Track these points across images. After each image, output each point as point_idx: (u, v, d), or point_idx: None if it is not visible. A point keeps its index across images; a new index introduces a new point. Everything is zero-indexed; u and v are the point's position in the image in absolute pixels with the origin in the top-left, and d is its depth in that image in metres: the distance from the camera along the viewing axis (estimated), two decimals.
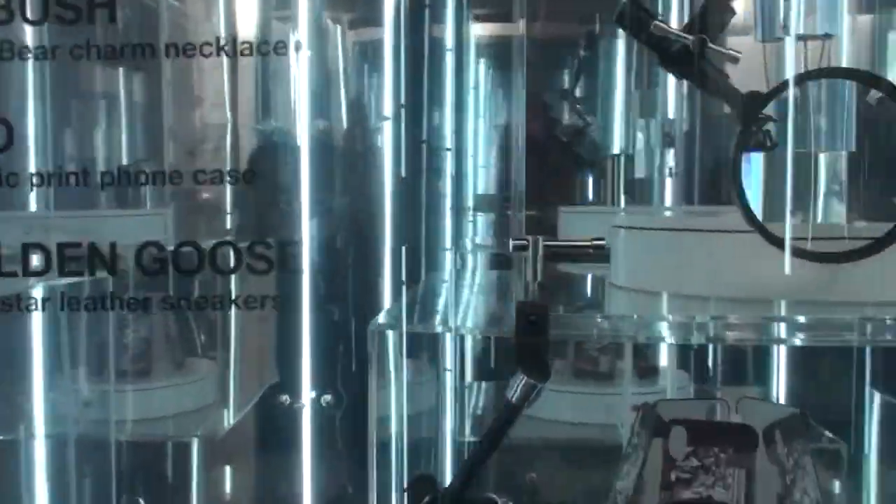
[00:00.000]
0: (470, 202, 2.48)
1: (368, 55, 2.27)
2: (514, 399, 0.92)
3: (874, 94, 1.27)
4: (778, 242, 1.00)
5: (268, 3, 2.02)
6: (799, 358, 1.99)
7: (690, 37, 0.95)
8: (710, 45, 0.95)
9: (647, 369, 1.98)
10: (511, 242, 0.92)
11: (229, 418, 1.91)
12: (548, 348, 0.90)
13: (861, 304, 1.06)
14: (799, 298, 1.07)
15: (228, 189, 1.81)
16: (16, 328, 1.73)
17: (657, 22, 0.96)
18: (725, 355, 2.05)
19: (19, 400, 1.75)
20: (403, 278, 1.94)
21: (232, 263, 1.58)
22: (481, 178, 2.66)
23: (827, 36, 1.22)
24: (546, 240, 0.92)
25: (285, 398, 1.77)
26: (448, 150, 2.41)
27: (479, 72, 2.79)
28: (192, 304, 1.65)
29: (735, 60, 0.97)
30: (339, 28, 2.33)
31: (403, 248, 2.03)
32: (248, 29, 1.84)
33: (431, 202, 2.29)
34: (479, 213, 2.77)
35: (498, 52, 2.68)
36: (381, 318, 1.09)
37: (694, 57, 0.97)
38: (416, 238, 2.16)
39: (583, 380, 1.86)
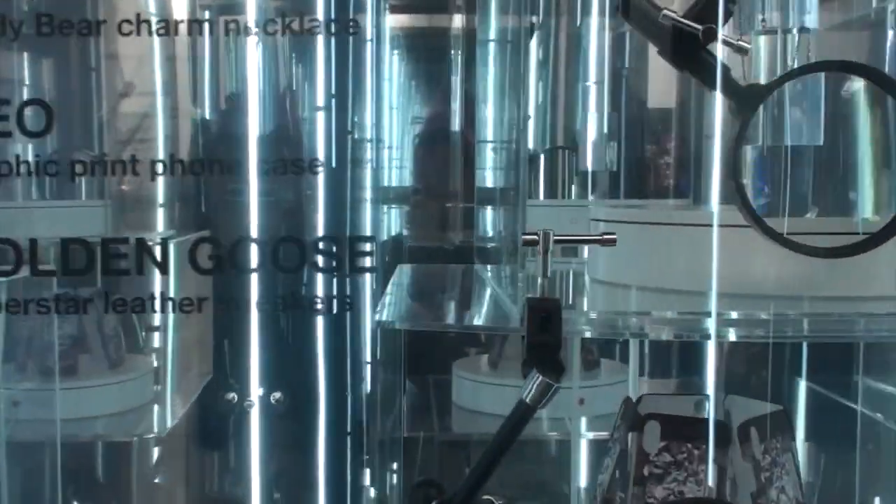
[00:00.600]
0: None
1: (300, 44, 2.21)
2: (528, 399, 0.88)
3: (848, 88, 1.27)
4: (778, 238, 0.97)
5: None
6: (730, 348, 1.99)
7: (700, 26, 0.92)
8: (722, 35, 0.92)
9: (591, 362, 1.97)
10: (521, 237, 0.88)
11: (169, 417, 1.83)
12: (560, 346, 0.86)
13: (852, 299, 1.06)
14: (790, 294, 1.05)
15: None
16: None
17: (667, 11, 0.93)
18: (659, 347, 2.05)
19: None
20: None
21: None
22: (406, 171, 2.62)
23: (804, 29, 1.20)
24: (556, 234, 0.88)
25: (232, 396, 1.70)
26: (370, 140, 2.38)
27: (392, 63, 2.75)
28: (130, 305, 1.57)
29: (745, 52, 0.95)
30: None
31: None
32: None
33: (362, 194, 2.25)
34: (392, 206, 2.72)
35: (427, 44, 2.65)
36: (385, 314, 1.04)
37: (699, 47, 0.94)
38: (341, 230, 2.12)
39: None
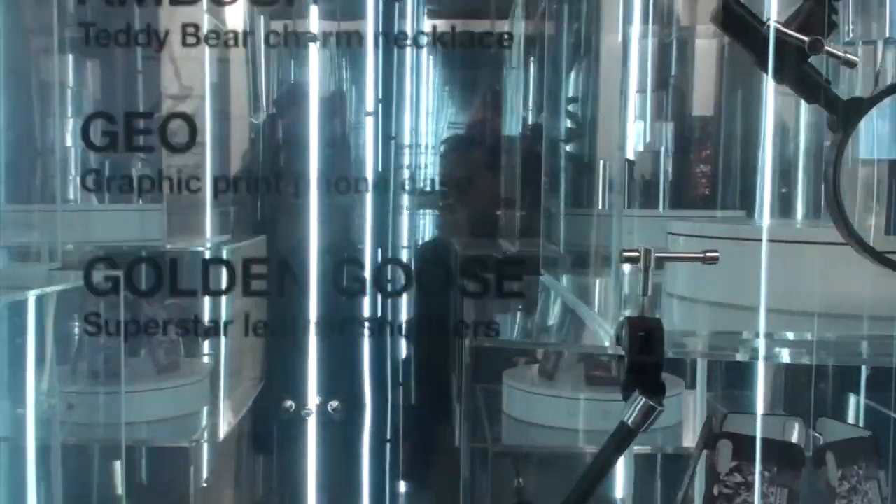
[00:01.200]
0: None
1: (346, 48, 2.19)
2: (630, 422, 0.84)
3: None
4: (875, 255, 0.94)
5: None
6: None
7: (805, 38, 0.88)
8: (828, 48, 0.88)
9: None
10: (622, 254, 0.84)
11: (224, 423, 1.79)
12: (662, 366, 0.83)
13: None
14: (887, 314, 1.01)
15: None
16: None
17: (772, 22, 0.89)
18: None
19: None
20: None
21: None
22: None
23: (891, 41, 1.16)
24: (658, 251, 0.84)
25: (290, 404, 1.67)
26: (409, 146, 2.36)
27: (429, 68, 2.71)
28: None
29: (853, 65, 0.91)
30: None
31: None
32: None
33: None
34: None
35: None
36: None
37: (802, 60, 0.90)
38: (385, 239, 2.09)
39: (596, 387, 1.78)
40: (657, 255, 0.84)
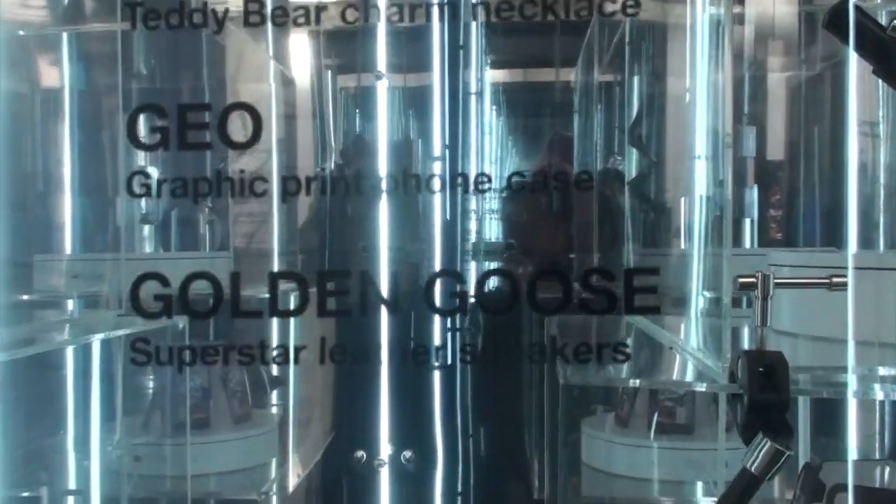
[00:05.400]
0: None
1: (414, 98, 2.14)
2: (754, 468, 0.72)
3: None
4: None
5: None
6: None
7: None
8: None
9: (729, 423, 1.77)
10: (737, 280, 0.73)
11: (293, 475, 1.68)
12: (788, 404, 0.71)
13: None
14: None
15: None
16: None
17: None
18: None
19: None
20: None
21: None
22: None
23: None
24: (777, 277, 0.73)
25: (361, 455, 1.56)
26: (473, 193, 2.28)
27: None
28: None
29: None
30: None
31: None
32: None
33: None
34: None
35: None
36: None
37: None
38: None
39: (663, 434, 1.64)
40: (777, 280, 0.73)
